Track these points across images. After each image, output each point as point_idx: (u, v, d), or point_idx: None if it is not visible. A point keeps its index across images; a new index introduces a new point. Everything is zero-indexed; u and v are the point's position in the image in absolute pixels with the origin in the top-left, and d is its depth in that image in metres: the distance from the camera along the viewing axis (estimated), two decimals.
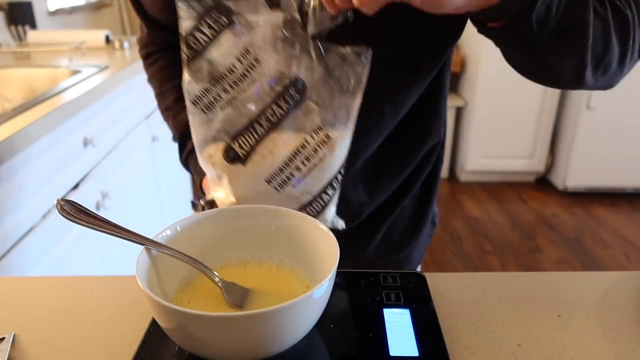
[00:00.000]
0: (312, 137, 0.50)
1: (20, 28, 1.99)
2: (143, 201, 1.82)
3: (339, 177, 0.54)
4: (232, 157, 0.50)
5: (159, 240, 0.47)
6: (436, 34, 0.62)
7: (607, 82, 0.55)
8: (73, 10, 2.48)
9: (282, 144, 0.50)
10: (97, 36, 2.02)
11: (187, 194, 2.40)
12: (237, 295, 0.46)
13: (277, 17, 0.47)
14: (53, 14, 2.28)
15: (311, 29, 0.47)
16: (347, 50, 0.48)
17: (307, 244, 0.49)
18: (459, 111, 3.00)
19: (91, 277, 0.58)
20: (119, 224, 0.45)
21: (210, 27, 0.48)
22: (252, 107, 0.49)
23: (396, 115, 0.67)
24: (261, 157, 0.50)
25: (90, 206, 1.15)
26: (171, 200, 2.11)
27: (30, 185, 1.11)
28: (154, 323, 0.48)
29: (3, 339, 0.48)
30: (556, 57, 0.50)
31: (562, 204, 2.76)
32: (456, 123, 3.04)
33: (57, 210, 0.44)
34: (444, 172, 3.09)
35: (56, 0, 2.30)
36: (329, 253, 0.45)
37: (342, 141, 0.52)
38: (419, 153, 0.73)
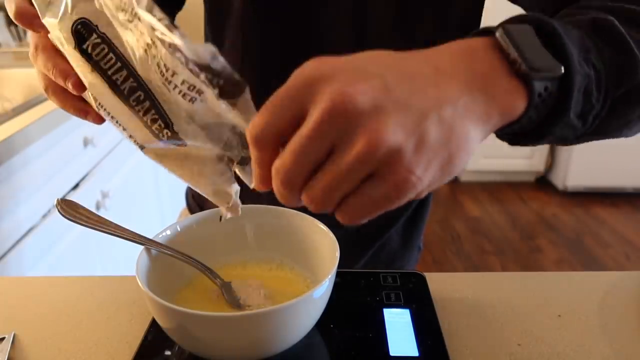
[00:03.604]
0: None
1: (20, 28, 1.99)
2: (143, 201, 1.82)
3: None
4: (80, 39, 0.39)
5: (159, 240, 0.47)
6: None
7: None
8: None
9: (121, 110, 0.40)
10: None
11: None
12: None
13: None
14: None
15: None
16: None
17: (307, 244, 0.49)
18: None
19: (91, 277, 0.58)
20: (119, 224, 0.45)
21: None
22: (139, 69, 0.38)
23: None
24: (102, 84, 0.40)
25: (90, 206, 1.14)
26: (171, 200, 2.11)
27: (30, 185, 1.11)
28: (154, 323, 0.48)
29: (3, 339, 0.48)
30: (612, 130, 0.40)
31: (562, 204, 2.76)
32: None
33: (57, 210, 0.44)
34: None
35: None
36: (329, 253, 0.45)
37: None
38: None
